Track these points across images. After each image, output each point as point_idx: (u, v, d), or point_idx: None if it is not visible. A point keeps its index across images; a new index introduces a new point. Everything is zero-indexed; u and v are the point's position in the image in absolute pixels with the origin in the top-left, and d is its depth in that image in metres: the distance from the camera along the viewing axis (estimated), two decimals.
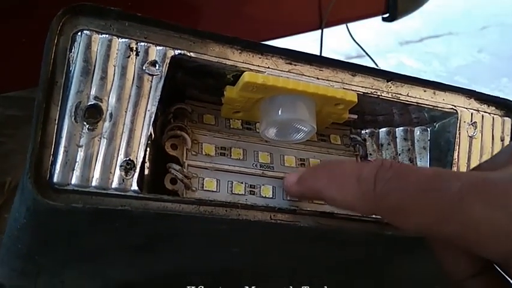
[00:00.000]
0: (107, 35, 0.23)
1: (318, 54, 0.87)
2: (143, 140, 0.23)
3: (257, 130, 0.29)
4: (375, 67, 0.29)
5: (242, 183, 0.27)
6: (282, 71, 0.27)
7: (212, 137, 0.28)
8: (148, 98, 0.23)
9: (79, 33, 0.22)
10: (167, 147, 0.26)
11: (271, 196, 0.28)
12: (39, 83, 0.21)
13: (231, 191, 0.27)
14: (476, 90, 0.31)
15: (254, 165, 0.28)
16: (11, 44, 0.58)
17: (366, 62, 1.16)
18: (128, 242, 0.23)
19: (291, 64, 0.27)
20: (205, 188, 0.26)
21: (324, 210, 0.27)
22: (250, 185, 0.28)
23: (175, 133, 0.26)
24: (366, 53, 1.02)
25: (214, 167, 0.27)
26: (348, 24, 0.88)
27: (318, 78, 0.28)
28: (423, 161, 0.32)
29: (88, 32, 0.22)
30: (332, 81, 0.28)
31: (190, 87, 0.28)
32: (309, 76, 0.27)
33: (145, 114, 0.23)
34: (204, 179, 0.27)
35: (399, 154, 0.32)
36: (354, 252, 0.28)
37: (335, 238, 0.25)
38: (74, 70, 0.22)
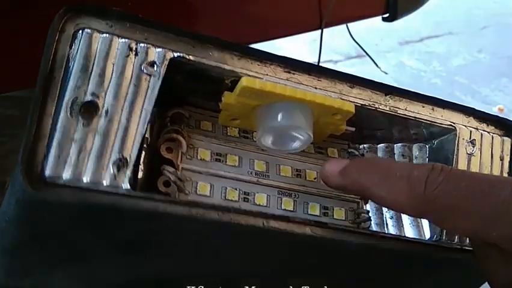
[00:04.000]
0: (107, 35, 0.23)
1: (318, 54, 0.87)
2: (138, 139, 0.23)
3: (254, 139, 0.29)
4: (374, 81, 0.29)
5: (236, 189, 0.27)
6: (280, 78, 0.27)
7: (208, 143, 0.28)
8: (145, 97, 0.23)
9: (80, 32, 0.22)
10: (163, 150, 0.26)
11: (265, 204, 0.28)
12: (37, 78, 0.21)
13: (225, 196, 0.27)
14: (476, 108, 0.31)
15: (249, 172, 0.28)
16: (11, 44, 0.58)
17: (366, 62, 1.17)
18: (117, 241, 0.22)
19: (289, 73, 0.27)
20: (198, 192, 0.26)
21: (319, 220, 0.27)
22: (245, 192, 0.28)
23: (170, 136, 0.26)
24: (366, 53, 1.02)
25: (209, 172, 0.27)
26: (349, 24, 0.88)
27: (316, 88, 0.27)
28: None
29: (89, 30, 0.22)
30: (330, 91, 0.28)
31: (188, 91, 0.28)
32: (307, 85, 0.27)
33: (141, 113, 0.23)
34: (197, 183, 0.26)
35: None
36: (347, 264, 0.28)
37: (329, 249, 0.25)
38: (73, 66, 0.22)
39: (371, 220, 0.31)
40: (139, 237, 0.22)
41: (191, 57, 0.24)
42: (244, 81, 0.25)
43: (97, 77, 0.22)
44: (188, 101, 0.28)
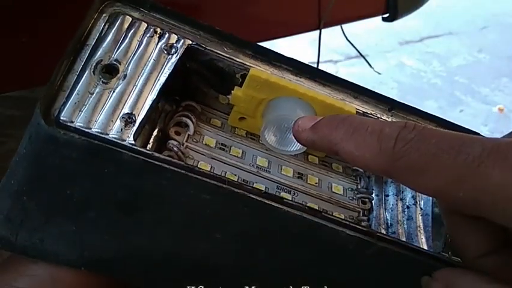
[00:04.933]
0: (138, 21, 0.27)
1: (317, 53, 0.87)
2: (148, 102, 0.25)
3: (260, 141, 0.30)
4: (379, 93, 0.29)
5: (236, 175, 0.28)
6: (286, 79, 0.28)
7: (215, 134, 0.29)
8: (160, 71, 0.26)
9: (115, 15, 0.26)
10: (171, 132, 0.28)
11: None
12: (71, 40, 0.25)
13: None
14: (478, 133, 0.30)
15: (251, 165, 0.29)
16: (11, 44, 0.58)
17: (365, 62, 1.17)
18: (114, 198, 0.23)
19: (296, 75, 0.28)
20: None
21: (313, 207, 0.27)
22: (244, 180, 0.28)
23: (180, 120, 0.28)
24: (360, 53, 1.02)
25: (211, 155, 0.28)
26: (349, 24, 0.88)
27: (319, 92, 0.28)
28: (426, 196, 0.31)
29: (123, 15, 0.26)
30: (334, 98, 0.29)
31: (201, 83, 0.29)
32: (311, 88, 0.28)
33: (155, 82, 0.25)
34: (198, 162, 0.27)
35: (402, 191, 0.32)
36: (337, 260, 0.26)
37: (319, 238, 0.24)
38: (105, 38, 0.25)
39: None
40: (135, 197, 0.23)
41: (207, 47, 0.27)
42: (252, 71, 0.27)
43: (123, 48, 0.26)
44: (201, 99, 0.30)
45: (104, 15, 0.26)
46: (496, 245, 0.21)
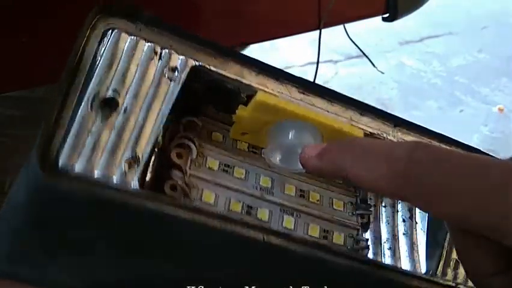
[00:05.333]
0: (135, 37, 0.24)
1: (317, 53, 0.87)
2: (152, 139, 0.23)
3: (262, 155, 0.30)
4: (384, 111, 0.30)
5: (240, 202, 0.28)
6: (294, 98, 0.28)
7: (217, 154, 0.29)
8: (163, 100, 0.24)
9: (110, 31, 0.24)
10: (173, 155, 0.26)
11: (266, 220, 0.28)
12: (64, 69, 0.22)
13: (228, 207, 0.27)
14: (482, 150, 0.30)
15: (255, 187, 0.29)
16: (11, 44, 0.58)
17: (366, 62, 1.17)
18: (119, 239, 0.22)
19: (303, 94, 0.28)
20: (203, 200, 0.26)
21: (320, 243, 0.27)
22: (248, 205, 0.28)
23: (182, 142, 0.27)
24: (363, 53, 1.02)
25: (215, 181, 0.27)
26: (348, 24, 0.88)
27: (327, 112, 0.28)
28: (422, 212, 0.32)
29: (118, 31, 0.24)
30: (341, 116, 0.28)
31: (204, 101, 0.28)
32: (319, 107, 0.28)
33: (158, 115, 0.24)
34: (203, 190, 0.27)
35: (399, 202, 0.32)
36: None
37: (327, 273, 0.24)
38: (99, 62, 0.23)
39: (369, 248, 0.31)
40: (141, 238, 0.22)
41: (211, 68, 0.26)
42: (259, 96, 0.26)
43: (120, 75, 0.23)
44: (202, 111, 0.29)
45: (96, 31, 0.23)
46: (505, 266, 0.21)
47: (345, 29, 0.88)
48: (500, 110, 1.50)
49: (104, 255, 0.23)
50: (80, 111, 0.22)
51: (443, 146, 0.30)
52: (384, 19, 0.83)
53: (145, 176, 0.23)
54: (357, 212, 0.31)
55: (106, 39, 0.23)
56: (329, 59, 1.91)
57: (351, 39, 0.91)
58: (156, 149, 0.25)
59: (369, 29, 1.56)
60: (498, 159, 0.20)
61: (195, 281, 0.24)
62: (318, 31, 0.77)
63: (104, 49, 0.23)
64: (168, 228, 0.22)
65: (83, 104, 0.22)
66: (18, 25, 0.59)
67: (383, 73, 1.84)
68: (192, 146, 0.27)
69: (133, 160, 0.22)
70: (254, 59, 0.27)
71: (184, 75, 0.25)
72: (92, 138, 0.22)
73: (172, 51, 0.25)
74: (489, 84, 1.83)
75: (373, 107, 0.29)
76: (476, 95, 1.77)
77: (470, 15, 2.44)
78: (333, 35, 0.99)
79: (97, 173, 0.21)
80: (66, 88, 0.22)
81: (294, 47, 1.90)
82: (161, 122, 0.24)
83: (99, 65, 0.23)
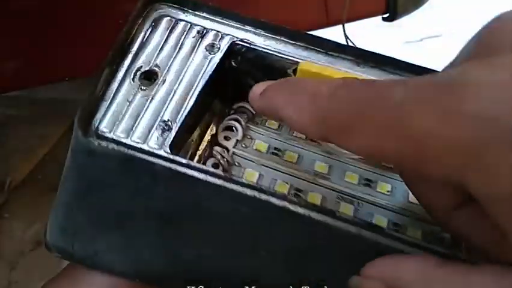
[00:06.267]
0: (182, 22, 0.26)
1: None
2: (187, 108, 0.24)
3: (321, 144, 0.27)
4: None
5: (287, 183, 0.25)
6: (342, 68, 0.25)
7: (268, 137, 0.27)
8: (202, 72, 0.25)
9: (160, 18, 0.26)
10: (221, 137, 0.27)
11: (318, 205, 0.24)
12: (113, 48, 0.25)
13: (273, 188, 0.25)
14: None
15: (307, 171, 0.26)
16: (11, 43, 0.58)
17: None
18: (153, 206, 0.23)
19: (358, 65, 0.25)
20: (244, 178, 0.25)
21: (373, 222, 0.24)
22: (296, 188, 0.25)
23: (229, 123, 0.27)
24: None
25: (261, 161, 0.26)
26: (348, 24, 0.88)
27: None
28: None
29: (167, 17, 0.26)
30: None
31: (251, 82, 0.27)
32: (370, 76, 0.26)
33: (196, 86, 0.24)
34: (245, 169, 0.26)
35: None
36: None
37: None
38: (147, 44, 0.25)
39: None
40: (174, 208, 0.23)
41: (252, 44, 0.26)
42: (301, 65, 0.25)
43: (164, 53, 0.25)
44: None
45: (149, 19, 0.26)
46: (463, 199, 0.19)
47: (344, 29, 0.89)
48: None
49: (143, 228, 0.23)
50: (124, 84, 0.24)
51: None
52: (384, 19, 0.83)
53: (178, 141, 0.24)
54: None
55: (156, 25, 0.26)
56: None
57: (349, 40, 0.91)
58: (208, 138, 0.27)
59: (369, 29, 1.56)
60: (413, 77, 0.18)
61: (235, 267, 0.23)
62: (317, 31, 0.77)
63: (152, 33, 0.25)
64: (197, 193, 0.22)
65: (127, 77, 0.24)
66: (19, 24, 0.59)
67: None
68: (238, 126, 0.27)
69: (167, 126, 0.23)
70: (300, 32, 0.26)
71: (224, 49, 0.25)
72: (132, 107, 0.24)
73: (215, 30, 0.26)
74: None
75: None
76: None
77: (470, 15, 2.44)
78: (333, 35, 0.99)
79: (133, 139, 0.23)
80: (115, 64, 0.24)
81: None
82: (198, 93, 0.24)
83: (147, 45, 0.25)
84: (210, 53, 0.25)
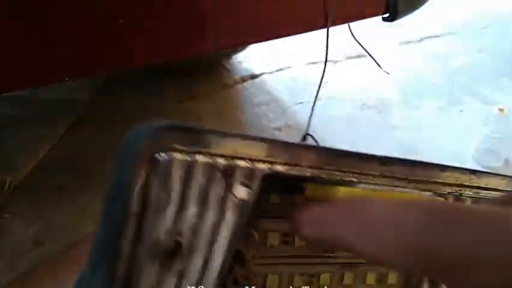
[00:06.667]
0: (190, 162, 0.18)
1: (318, 54, 0.87)
2: (218, 270, 0.20)
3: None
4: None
5: (302, 275, 0.24)
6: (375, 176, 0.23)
7: (275, 224, 0.24)
8: (231, 225, 0.20)
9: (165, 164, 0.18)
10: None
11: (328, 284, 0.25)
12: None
13: (292, 284, 0.25)
14: None
15: (316, 252, 0.25)
16: (11, 43, 0.58)
17: (366, 62, 1.17)
18: None
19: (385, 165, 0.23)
20: (267, 286, 0.24)
21: None
22: (310, 275, 0.25)
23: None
24: (369, 54, 1.02)
25: (276, 261, 0.24)
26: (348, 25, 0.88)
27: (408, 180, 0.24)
28: None
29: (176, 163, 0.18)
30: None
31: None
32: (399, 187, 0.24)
33: (226, 247, 0.20)
34: (266, 276, 0.24)
35: None
36: None
37: None
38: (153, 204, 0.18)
39: None
40: None
41: (285, 170, 0.20)
42: (340, 191, 0.21)
43: (182, 213, 0.19)
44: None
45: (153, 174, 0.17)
46: None
47: (350, 29, 0.89)
48: (500, 110, 1.49)
49: None
50: (143, 266, 0.18)
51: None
52: (384, 19, 0.83)
53: None
54: None
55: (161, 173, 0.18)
56: (328, 59, 1.91)
57: (356, 41, 0.91)
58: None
59: (369, 29, 1.56)
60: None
61: None
62: (318, 31, 0.77)
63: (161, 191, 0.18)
64: None
65: (143, 254, 0.18)
66: (19, 24, 0.59)
67: (388, 73, 1.84)
68: (255, 233, 0.23)
69: None
70: (327, 148, 0.21)
71: (255, 188, 0.20)
72: None
73: (236, 161, 0.19)
74: (489, 84, 1.83)
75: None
76: (476, 95, 1.77)
77: (470, 15, 2.44)
78: (333, 35, 0.99)
79: None
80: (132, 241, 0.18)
81: (294, 48, 1.90)
82: (228, 250, 0.20)
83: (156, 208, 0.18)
84: (236, 197, 0.20)
